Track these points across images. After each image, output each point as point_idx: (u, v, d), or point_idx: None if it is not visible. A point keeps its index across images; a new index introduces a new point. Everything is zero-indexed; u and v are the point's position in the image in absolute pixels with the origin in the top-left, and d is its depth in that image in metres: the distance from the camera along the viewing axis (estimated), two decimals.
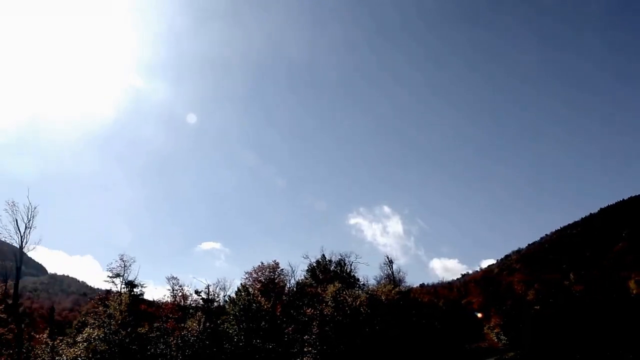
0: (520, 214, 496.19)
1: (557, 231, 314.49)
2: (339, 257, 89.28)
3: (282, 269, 76.52)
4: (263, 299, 66.57)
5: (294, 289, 76.43)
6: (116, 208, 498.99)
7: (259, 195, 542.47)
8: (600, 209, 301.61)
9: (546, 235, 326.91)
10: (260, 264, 72.72)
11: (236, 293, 69.67)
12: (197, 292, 67.99)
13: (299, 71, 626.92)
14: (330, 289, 65.72)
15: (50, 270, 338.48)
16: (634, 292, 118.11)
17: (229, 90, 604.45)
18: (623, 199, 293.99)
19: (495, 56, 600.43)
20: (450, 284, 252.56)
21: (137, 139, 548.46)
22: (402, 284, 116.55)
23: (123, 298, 60.38)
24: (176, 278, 68.57)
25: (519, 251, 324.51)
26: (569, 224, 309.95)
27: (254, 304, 63.36)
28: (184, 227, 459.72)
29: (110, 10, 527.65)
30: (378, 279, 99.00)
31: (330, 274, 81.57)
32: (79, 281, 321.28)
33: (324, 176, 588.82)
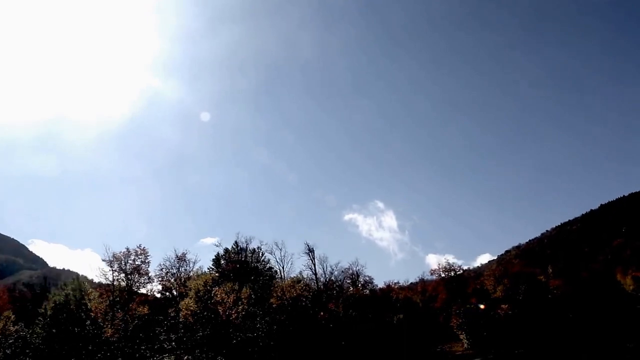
0: (523, 211, 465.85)
1: (556, 227, 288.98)
2: (256, 245, 68.94)
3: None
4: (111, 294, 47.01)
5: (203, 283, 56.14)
6: (130, 204, 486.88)
7: (266, 191, 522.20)
8: (601, 205, 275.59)
9: (547, 231, 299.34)
10: (125, 249, 52.92)
11: (62, 287, 50.23)
12: (26, 285, 48.77)
13: (310, 71, 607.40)
14: (195, 282, 45.56)
15: (51, 263, 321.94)
16: (631, 288, 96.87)
17: (242, 89, 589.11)
18: (623, 196, 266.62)
19: (495, 56, 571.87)
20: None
21: (153, 136, 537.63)
22: (363, 277, 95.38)
23: None
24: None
25: (518, 247, 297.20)
26: (568, 220, 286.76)
27: (71, 303, 43.80)
28: (193, 222, 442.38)
29: (128, 12, 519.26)
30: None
31: (236, 264, 61.12)
32: (78, 275, 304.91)
33: (323, 173, 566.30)
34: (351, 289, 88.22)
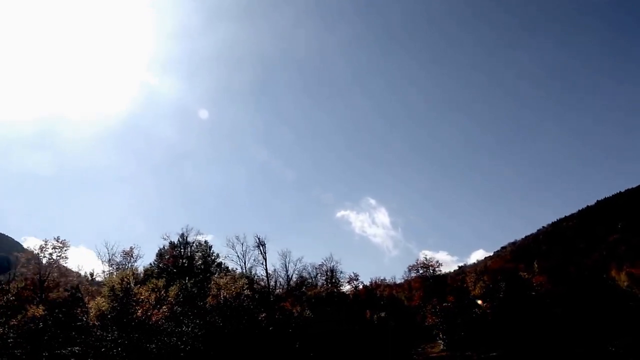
0: (520, 207, 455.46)
1: (553, 223, 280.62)
2: (201, 240, 62.45)
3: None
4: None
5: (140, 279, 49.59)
6: (127, 201, 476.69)
7: (262, 189, 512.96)
8: (597, 201, 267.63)
9: (543, 227, 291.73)
10: (42, 241, 46.83)
11: None
12: None
13: (308, 69, 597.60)
14: (109, 279, 39.16)
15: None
16: (625, 284, 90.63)
17: (240, 86, 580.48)
18: (619, 192, 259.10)
19: (495, 55, 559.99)
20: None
21: (150, 134, 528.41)
22: (343, 274, 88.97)
23: None
24: None
25: (514, 243, 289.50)
26: (565, 216, 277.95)
27: None
28: (190, 219, 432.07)
29: (124, 8, 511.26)
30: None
31: (179, 259, 54.66)
32: (72, 272, 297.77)
33: (318, 170, 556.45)
34: (324, 286, 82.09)
